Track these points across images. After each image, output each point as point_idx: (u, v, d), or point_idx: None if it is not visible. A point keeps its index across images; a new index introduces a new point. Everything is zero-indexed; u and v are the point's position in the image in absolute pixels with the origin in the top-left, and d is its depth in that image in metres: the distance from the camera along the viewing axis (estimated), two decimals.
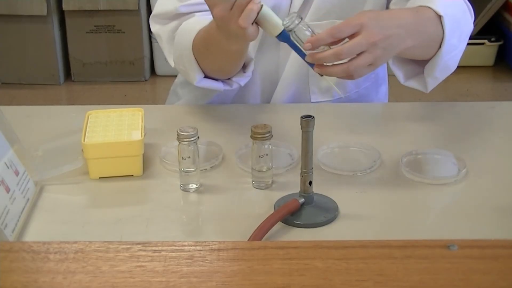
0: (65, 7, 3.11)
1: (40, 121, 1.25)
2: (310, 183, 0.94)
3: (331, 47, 0.99)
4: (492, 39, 3.23)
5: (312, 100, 1.32)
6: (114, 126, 1.08)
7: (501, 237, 0.90)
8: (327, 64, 1.00)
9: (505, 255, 0.66)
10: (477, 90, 3.11)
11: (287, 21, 1.01)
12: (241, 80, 1.22)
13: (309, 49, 0.99)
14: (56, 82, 3.21)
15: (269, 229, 0.89)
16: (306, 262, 0.65)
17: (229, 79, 1.22)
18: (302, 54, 1.02)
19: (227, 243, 0.68)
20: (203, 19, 1.17)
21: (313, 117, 0.90)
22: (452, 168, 1.07)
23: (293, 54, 1.27)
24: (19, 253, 0.67)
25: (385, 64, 1.34)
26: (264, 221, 0.89)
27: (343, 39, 1.00)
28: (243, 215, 0.96)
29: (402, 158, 1.07)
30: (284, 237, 0.91)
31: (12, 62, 3.18)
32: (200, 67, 1.18)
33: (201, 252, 0.66)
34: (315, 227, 0.93)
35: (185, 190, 1.02)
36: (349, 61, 0.99)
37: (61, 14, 3.16)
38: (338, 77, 1.02)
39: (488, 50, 3.26)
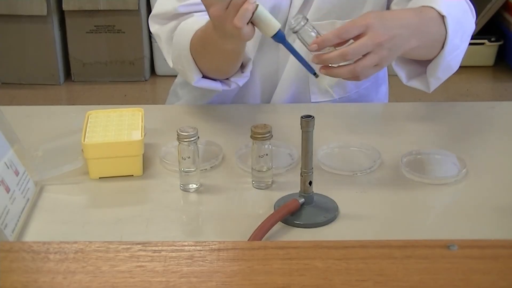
0: (65, 7, 3.11)
1: (40, 121, 1.25)
2: (310, 183, 0.94)
3: (336, 48, 1.00)
4: (492, 39, 3.23)
5: (312, 100, 1.32)
6: (114, 126, 1.08)
7: (501, 237, 0.90)
8: (333, 65, 1.00)
9: (505, 255, 0.66)
10: (477, 90, 3.11)
11: (293, 23, 1.01)
12: (239, 80, 1.22)
13: (315, 50, 0.99)
14: (56, 82, 3.21)
15: (269, 229, 0.89)
16: (306, 262, 0.65)
17: (227, 79, 1.22)
18: (298, 56, 1.02)
19: (227, 243, 0.68)
20: (202, 19, 1.17)
21: (313, 117, 0.90)
22: (452, 168, 1.07)
23: None
24: (19, 253, 0.67)
25: None
26: (264, 221, 0.89)
27: (348, 40, 1.00)
28: (243, 215, 0.96)
29: (402, 158, 1.07)
30: (284, 237, 0.91)
31: (12, 62, 3.18)
32: (198, 67, 1.19)
33: (201, 252, 0.66)
34: (315, 227, 0.93)
35: (185, 190, 1.02)
36: (355, 62, 0.99)
37: (61, 14, 3.16)
38: (344, 78, 1.02)
39: (488, 50, 3.26)
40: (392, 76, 1.35)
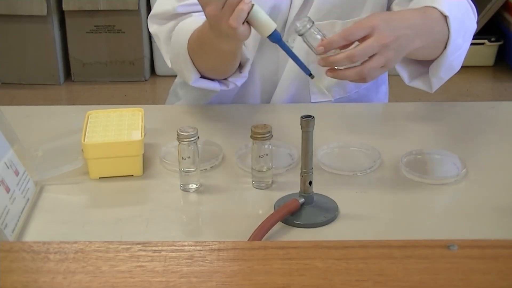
0: (65, 7, 3.11)
1: (40, 121, 1.25)
2: (310, 183, 0.94)
3: (342, 50, 1.00)
4: (492, 39, 3.23)
5: (312, 100, 1.32)
6: (114, 126, 1.08)
7: (501, 237, 0.90)
8: (339, 68, 1.00)
9: (505, 255, 0.66)
10: (477, 90, 3.11)
11: (299, 25, 1.00)
12: (237, 81, 1.22)
13: (321, 53, 0.99)
14: (56, 82, 3.21)
15: (269, 229, 0.89)
16: (306, 262, 0.65)
17: (225, 79, 1.22)
18: (294, 57, 1.02)
19: (227, 243, 0.68)
20: (200, 19, 1.17)
21: (313, 117, 0.90)
22: (452, 168, 1.07)
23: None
24: (19, 253, 0.67)
25: None
26: (264, 221, 0.89)
27: (353, 42, 1.00)
28: (243, 215, 0.96)
29: (402, 158, 1.07)
30: (284, 237, 0.91)
31: (12, 62, 3.18)
32: (195, 67, 1.19)
33: (201, 252, 0.66)
34: (315, 227, 0.93)
35: (185, 190, 1.02)
36: (361, 64, 0.99)
37: (61, 14, 3.16)
38: (350, 81, 1.02)
39: (488, 50, 3.26)
40: (392, 76, 1.35)
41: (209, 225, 0.96)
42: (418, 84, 1.19)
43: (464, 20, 1.15)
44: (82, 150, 1.04)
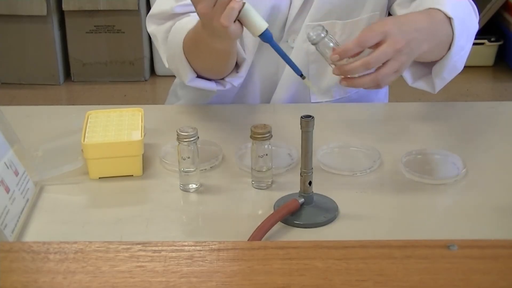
0: (65, 7, 3.11)
1: (40, 121, 1.25)
2: (310, 183, 0.94)
3: (353, 58, 0.99)
4: (492, 39, 3.23)
5: (312, 101, 1.32)
6: (114, 126, 1.08)
7: (501, 237, 0.90)
8: (353, 76, 1.00)
9: (505, 255, 0.66)
10: (477, 90, 3.11)
11: (312, 35, 1.00)
12: (234, 81, 1.22)
13: (336, 61, 0.99)
14: (56, 82, 3.21)
15: (269, 229, 0.89)
16: (306, 262, 0.65)
17: (222, 79, 1.22)
18: (285, 56, 1.02)
19: (227, 243, 0.68)
20: (196, 19, 1.17)
21: (313, 117, 0.90)
22: (452, 168, 1.07)
23: (293, 54, 1.27)
24: (19, 253, 0.67)
25: None
26: (264, 221, 0.89)
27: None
28: (243, 215, 0.96)
29: (402, 158, 1.07)
30: (284, 237, 0.91)
31: (12, 62, 3.18)
32: (191, 66, 1.18)
33: (201, 252, 0.66)
34: (315, 227, 0.93)
35: (185, 190, 1.02)
36: (376, 70, 0.99)
37: (61, 14, 3.16)
38: (365, 88, 1.02)
39: (488, 50, 3.26)
40: None
41: (209, 225, 0.96)
42: (421, 85, 1.19)
43: (466, 21, 1.15)
44: (82, 150, 1.04)
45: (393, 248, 0.67)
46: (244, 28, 1.01)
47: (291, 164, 1.07)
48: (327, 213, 0.95)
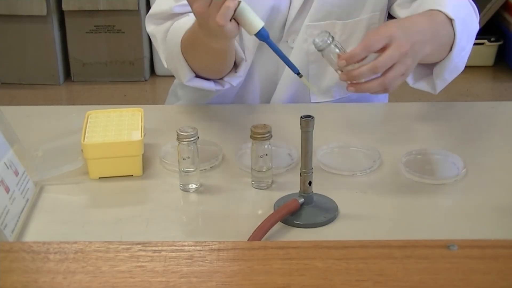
0: (65, 7, 3.11)
1: (40, 121, 1.25)
2: (310, 183, 0.94)
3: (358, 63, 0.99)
4: (492, 39, 3.23)
5: (312, 101, 1.32)
6: (114, 126, 1.08)
7: (501, 237, 0.90)
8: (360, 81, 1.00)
9: (505, 255, 0.66)
10: (477, 90, 3.11)
11: (318, 41, 0.99)
12: (232, 80, 1.22)
13: (343, 66, 0.98)
14: (56, 82, 3.21)
15: (269, 229, 0.89)
16: (306, 262, 0.65)
17: (221, 79, 1.22)
18: (281, 55, 1.01)
19: (227, 243, 0.68)
20: (194, 19, 1.17)
21: (313, 117, 0.90)
22: (452, 168, 1.07)
23: (293, 55, 1.27)
24: (19, 253, 0.67)
25: None
26: (264, 221, 0.89)
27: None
28: (243, 215, 0.96)
29: (402, 158, 1.07)
30: (284, 237, 0.91)
31: (12, 62, 3.18)
32: (190, 66, 1.18)
33: (201, 252, 0.66)
34: (315, 227, 0.93)
35: (185, 190, 1.02)
36: (382, 74, 0.99)
37: (61, 14, 3.16)
38: (372, 93, 1.02)
39: (488, 50, 3.26)
40: None
41: (209, 225, 0.96)
42: (422, 85, 1.19)
43: (467, 22, 1.15)
44: (82, 150, 1.04)
45: (393, 248, 0.67)
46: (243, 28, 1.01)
47: (291, 164, 1.07)
48: (327, 213, 0.95)
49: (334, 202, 0.97)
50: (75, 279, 0.63)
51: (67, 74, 3.27)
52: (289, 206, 0.93)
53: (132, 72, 3.23)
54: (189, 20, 1.19)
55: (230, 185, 1.03)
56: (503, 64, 3.29)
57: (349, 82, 1.01)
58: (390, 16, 1.32)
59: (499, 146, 1.15)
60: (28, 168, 1.00)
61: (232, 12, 0.97)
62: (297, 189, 0.95)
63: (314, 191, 0.96)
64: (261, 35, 1.00)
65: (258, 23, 1.00)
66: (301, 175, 0.94)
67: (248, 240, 0.86)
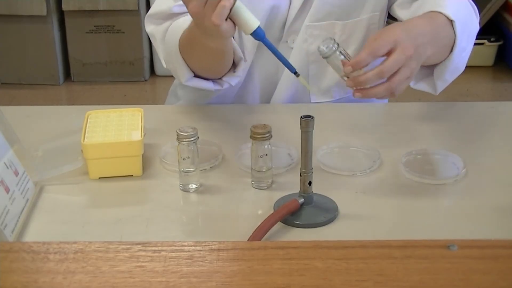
0: (64, 7, 3.11)
1: (40, 121, 1.25)
2: (310, 183, 0.94)
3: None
4: (492, 39, 3.23)
5: (312, 101, 1.32)
6: (114, 126, 1.08)
7: (501, 237, 0.90)
8: (363, 87, 0.99)
9: (505, 255, 0.66)
10: (477, 90, 3.11)
11: (324, 48, 0.98)
12: (231, 80, 1.22)
13: (350, 72, 0.98)
14: (56, 82, 3.21)
15: (269, 229, 0.89)
16: (306, 262, 0.65)
17: (220, 78, 1.22)
18: (278, 54, 1.01)
19: (226, 243, 0.68)
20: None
21: (313, 117, 0.90)
22: (452, 168, 1.07)
23: (293, 55, 1.28)
24: (19, 253, 0.67)
25: None
26: (263, 221, 0.89)
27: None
28: (243, 215, 0.96)
29: (402, 158, 1.07)
30: (284, 237, 0.91)
31: (12, 62, 3.18)
32: (188, 66, 1.18)
33: (201, 252, 0.66)
34: (315, 227, 0.93)
35: (185, 190, 1.02)
36: (388, 79, 0.99)
37: (61, 14, 3.16)
38: (378, 98, 1.01)
39: (488, 50, 3.26)
40: None
41: (209, 225, 0.96)
42: (423, 86, 1.19)
43: (468, 23, 1.15)
44: (82, 150, 1.04)
45: (393, 248, 0.67)
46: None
47: (291, 164, 1.07)
48: (327, 213, 0.95)
49: (334, 202, 0.97)
50: (75, 279, 0.63)
51: (67, 74, 3.27)
52: (289, 206, 0.93)
53: (132, 72, 3.23)
54: (187, 19, 1.18)
55: (230, 185, 1.03)
56: (503, 64, 3.29)
57: (355, 88, 1.01)
58: (390, 16, 1.32)
59: (499, 146, 1.15)
60: (28, 168, 1.00)
61: (228, 11, 0.97)
62: (297, 189, 0.95)
63: (314, 191, 0.96)
64: (257, 34, 1.00)
65: (254, 22, 0.99)
66: (301, 175, 0.94)
67: (248, 240, 0.86)
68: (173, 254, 0.66)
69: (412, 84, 1.18)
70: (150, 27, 1.27)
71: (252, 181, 1.03)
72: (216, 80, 1.22)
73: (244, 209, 0.98)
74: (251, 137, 0.99)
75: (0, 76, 3.21)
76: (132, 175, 1.06)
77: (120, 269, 0.64)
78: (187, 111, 1.30)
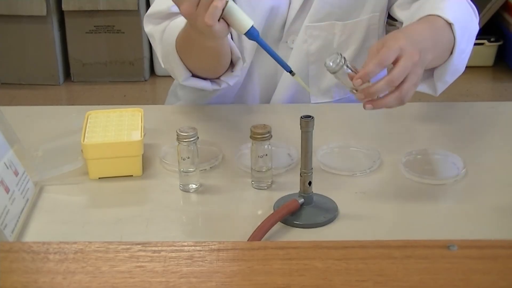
0: (64, 7, 3.11)
1: (40, 121, 1.25)
2: (310, 183, 0.94)
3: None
4: (492, 39, 3.23)
5: (312, 102, 1.32)
6: (113, 127, 1.08)
7: (501, 237, 0.90)
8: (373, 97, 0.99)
9: (505, 255, 0.66)
10: (477, 90, 3.11)
11: (331, 64, 0.97)
12: (229, 80, 1.22)
13: (359, 85, 0.96)
14: (56, 82, 3.21)
15: (269, 230, 0.89)
16: (306, 263, 0.65)
17: (218, 78, 1.22)
18: (272, 53, 1.00)
19: (226, 244, 0.68)
20: None
21: (313, 117, 0.90)
22: (452, 168, 1.07)
23: (293, 55, 1.28)
24: (19, 253, 0.67)
25: None
26: (263, 221, 0.89)
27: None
28: (243, 215, 0.96)
29: (402, 158, 1.07)
30: (283, 237, 0.91)
31: (12, 62, 3.18)
32: (185, 65, 1.18)
33: (201, 252, 0.66)
34: (315, 227, 0.93)
35: (185, 190, 1.02)
36: (397, 87, 0.98)
37: (61, 14, 3.16)
38: (388, 107, 1.00)
39: (488, 50, 3.26)
40: None
41: (209, 225, 0.96)
42: (423, 88, 1.18)
43: (467, 24, 1.15)
44: (82, 150, 1.04)
45: (393, 248, 0.67)
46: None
47: (291, 164, 1.07)
48: (327, 213, 0.95)
49: (334, 202, 0.97)
50: (75, 279, 0.63)
51: (67, 74, 3.27)
52: (289, 206, 0.93)
53: (132, 72, 3.23)
54: (184, 19, 1.18)
55: (230, 185, 1.03)
56: (503, 64, 3.29)
57: (365, 100, 0.99)
58: (390, 17, 1.32)
59: (499, 146, 1.15)
60: (28, 168, 1.00)
61: (220, 11, 0.96)
62: (297, 189, 0.95)
63: (314, 191, 0.96)
64: (251, 34, 0.99)
65: (247, 22, 0.98)
66: (301, 175, 0.94)
67: (248, 240, 0.86)
68: (173, 254, 0.66)
69: None
70: (148, 27, 1.27)
71: (252, 181, 1.03)
72: (214, 79, 1.22)
73: (244, 209, 0.98)
74: (251, 137, 0.99)
75: (0, 76, 3.21)
76: (132, 175, 1.06)
77: (120, 269, 0.64)
78: (187, 111, 1.30)
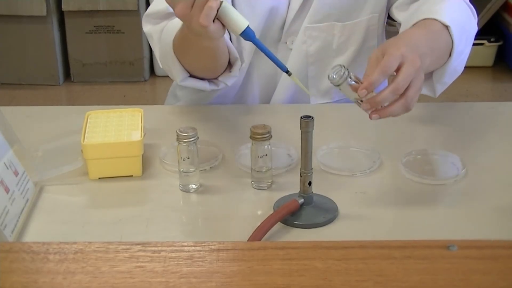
0: (64, 7, 3.11)
1: (40, 121, 1.25)
2: (310, 183, 0.94)
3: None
4: (492, 40, 3.23)
5: (312, 102, 1.32)
6: (113, 127, 1.08)
7: (501, 237, 0.90)
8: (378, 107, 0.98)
9: (505, 256, 0.66)
10: (477, 90, 3.11)
11: (334, 76, 0.95)
12: (227, 80, 1.21)
13: (364, 96, 0.95)
14: (56, 82, 3.21)
15: (269, 230, 0.89)
16: (306, 263, 0.65)
17: (215, 78, 1.22)
18: (268, 53, 0.99)
19: (226, 244, 0.68)
20: None
21: (313, 117, 0.90)
22: (452, 168, 1.07)
23: (292, 56, 1.27)
24: (19, 253, 0.67)
25: None
26: (263, 221, 0.89)
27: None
28: (243, 215, 0.96)
29: (402, 158, 1.07)
30: (283, 238, 0.91)
31: (12, 62, 3.18)
32: (183, 66, 1.18)
33: (201, 252, 0.66)
34: (315, 227, 0.93)
35: (185, 190, 1.02)
36: (401, 94, 0.97)
37: (61, 15, 3.16)
38: (395, 115, 0.99)
39: (488, 50, 3.26)
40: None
41: (209, 225, 0.96)
42: (423, 90, 1.18)
43: (465, 25, 1.14)
44: (82, 150, 1.04)
45: (393, 249, 0.67)
46: None
47: (290, 165, 1.07)
48: (327, 213, 0.95)
49: (334, 202, 0.97)
50: (74, 279, 0.63)
51: (67, 75, 3.27)
52: (289, 207, 0.93)
53: (132, 73, 3.23)
54: None
55: (230, 186, 1.03)
56: (503, 65, 3.29)
57: (371, 109, 0.98)
58: (390, 18, 1.32)
59: (499, 146, 1.15)
60: (28, 168, 1.00)
61: (215, 12, 0.96)
62: (297, 190, 0.95)
63: (314, 192, 0.96)
64: (247, 34, 0.98)
65: (242, 23, 0.98)
66: (301, 176, 0.94)
67: (248, 240, 0.86)
68: (173, 255, 0.66)
69: None
70: (147, 27, 1.27)
71: (252, 181, 1.03)
72: (212, 80, 1.22)
73: (244, 210, 0.98)
74: (251, 137, 0.99)
75: (0, 76, 3.21)
76: (132, 175, 1.06)
77: (120, 269, 0.64)
78: (187, 111, 1.30)
